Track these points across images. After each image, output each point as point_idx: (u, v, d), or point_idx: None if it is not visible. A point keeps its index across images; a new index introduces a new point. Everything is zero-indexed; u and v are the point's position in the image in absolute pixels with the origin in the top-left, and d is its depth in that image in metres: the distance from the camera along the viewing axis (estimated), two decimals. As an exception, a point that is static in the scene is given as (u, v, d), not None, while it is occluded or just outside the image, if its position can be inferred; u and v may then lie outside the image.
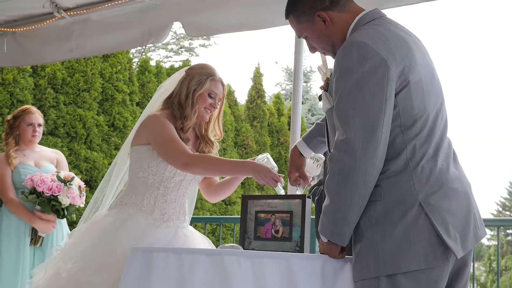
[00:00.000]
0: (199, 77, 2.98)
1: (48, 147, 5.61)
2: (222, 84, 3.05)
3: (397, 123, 2.15)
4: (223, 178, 3.14)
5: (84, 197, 4.36)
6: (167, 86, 3.12)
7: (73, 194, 4.27)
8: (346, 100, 2.13)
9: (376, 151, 2.09)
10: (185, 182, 2.95)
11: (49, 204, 4.23)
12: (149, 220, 2.84)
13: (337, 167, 2.14)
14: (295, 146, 2.78)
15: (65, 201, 4.24)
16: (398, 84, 2.13)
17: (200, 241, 2.97)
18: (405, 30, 2.31)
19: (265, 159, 2.85)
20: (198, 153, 3.03)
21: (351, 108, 2.11)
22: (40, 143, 4.65)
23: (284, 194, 2.78)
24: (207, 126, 3.09)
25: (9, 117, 4.58)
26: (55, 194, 4.22)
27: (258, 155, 2.93)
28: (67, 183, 4.28)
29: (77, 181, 4.36)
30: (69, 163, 6.71)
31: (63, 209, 4.29)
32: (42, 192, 4.20)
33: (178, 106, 2.96)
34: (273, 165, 2.82)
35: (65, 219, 4.45)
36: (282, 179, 2.73)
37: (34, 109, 4.59)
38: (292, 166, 2.74)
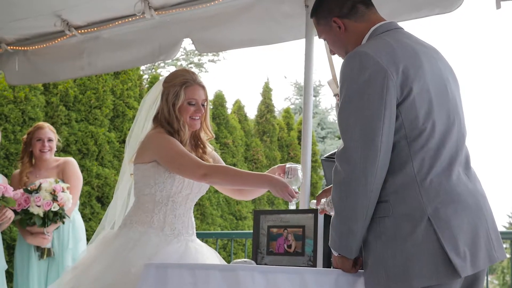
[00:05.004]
0: (174, 89, 2.92)
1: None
2: (200, 85, 2.97)
3: (401, 134, 2.12)
4: None
5: (70, 198, 4.24)
6: (149, 102, 3.09)
7: (42, 201, 4.14)
8: (346, 109, 2.14)
9: (375, 160, 2.06)
10: (192, 195, 2.94)
11: (25, 218, 4.18)
12: (160, 237, 2.82)
13: (338, 177, 2.12)
14: None
15: (37, 210, 4.15)
16: (399, 94, 2.11)
17: (208, 254, 2.95)
18: (420, 41, 2.30)
19: (298, 169, 2.75)
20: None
21: (351, 118, 2.12)
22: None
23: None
24: (199, 131, 3.04)
25: (24, 136, 4.59)
26: (25, 208, 4.16)
27: (289, 163, 2.83)
28: (33, 193, 4.18)
29: (47, 187, 4.21)
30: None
31: (43, 218, 4.17)
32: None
33: (166, 123, 2.92)
34: (300, 180, 2.75)
35: (79, 219, 4.43)
36: (297, 195, 2.68)
37: (44, 124, 4.57)
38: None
